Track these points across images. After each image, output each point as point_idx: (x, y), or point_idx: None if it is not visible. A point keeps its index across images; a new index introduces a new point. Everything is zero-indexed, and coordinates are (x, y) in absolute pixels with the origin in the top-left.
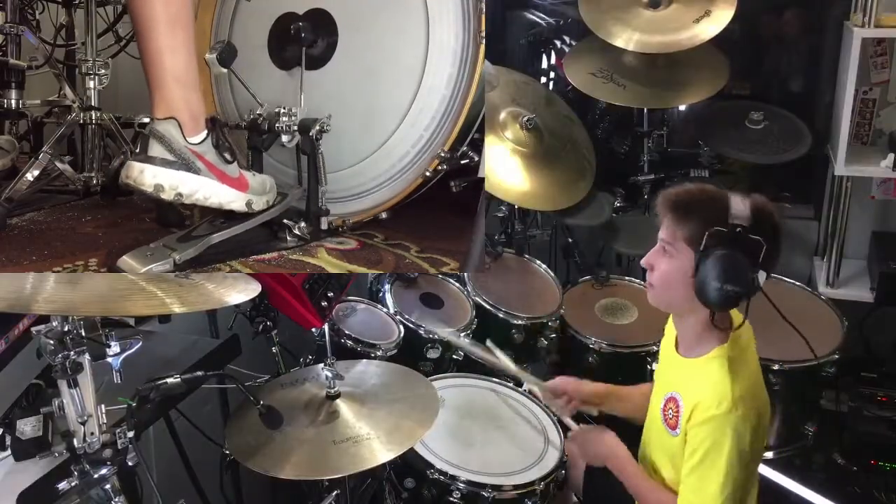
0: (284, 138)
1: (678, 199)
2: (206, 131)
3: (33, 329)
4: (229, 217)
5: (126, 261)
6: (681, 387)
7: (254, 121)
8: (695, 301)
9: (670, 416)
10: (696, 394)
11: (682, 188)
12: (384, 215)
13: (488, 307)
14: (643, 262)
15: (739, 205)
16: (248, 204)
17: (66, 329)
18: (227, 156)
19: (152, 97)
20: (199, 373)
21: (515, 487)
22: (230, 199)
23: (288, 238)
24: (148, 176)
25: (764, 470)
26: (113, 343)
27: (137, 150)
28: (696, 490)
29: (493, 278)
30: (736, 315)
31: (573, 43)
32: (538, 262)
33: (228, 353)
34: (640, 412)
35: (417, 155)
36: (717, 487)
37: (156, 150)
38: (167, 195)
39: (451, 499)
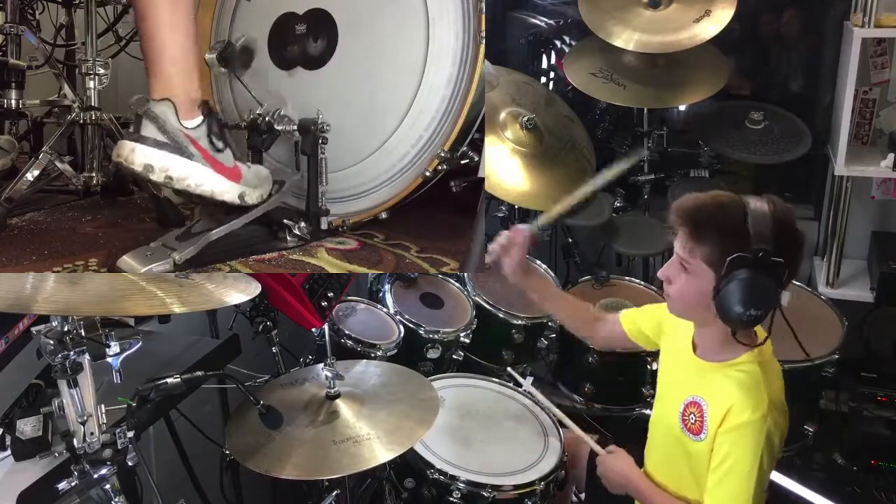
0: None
1: (694, 214)
2: (202, 117)
3: (33, 329)
4: (228, 212)
5: (126, 261)
6: (704, 391)
7: (253, 121)
8: (716, 316)
9: (693, 421)
10: (727, 398)
11: (696, 199)
12: (384, 215)
13: (488, 307)
14: (660, 274)
15: (761, 222)
16: (241, 196)
17: (66, 329)
18: (220, 143)
19: (149, 80)
20: (199, 373)
21: (515, 487)
22: (223, 188)
23: (288, 238)
24: (139, 155)
25: None
26: (113, 343)
27: (130, 130)
28: (726, 494)
29: (493, 278)
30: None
31: (573, 43)
32: (538, 262)
33: (228, 353)
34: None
35: (417, 155)
36: (749, 491)
37: (148, 130)
38: (157, 177)
39: (451, 499)
